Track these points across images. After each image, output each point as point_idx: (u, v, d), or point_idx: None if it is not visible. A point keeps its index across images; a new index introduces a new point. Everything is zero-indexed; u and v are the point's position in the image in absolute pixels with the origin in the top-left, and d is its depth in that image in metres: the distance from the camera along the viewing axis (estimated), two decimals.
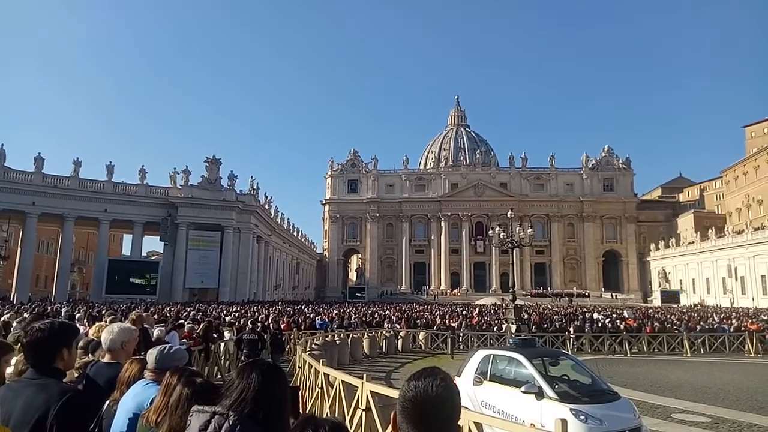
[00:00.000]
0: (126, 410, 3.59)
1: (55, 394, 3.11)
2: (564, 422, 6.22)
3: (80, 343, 6.30)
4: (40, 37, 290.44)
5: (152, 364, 3.91)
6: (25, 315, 17.71)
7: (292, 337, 26.92)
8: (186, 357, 4.20)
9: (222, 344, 20.47)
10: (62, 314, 23.50)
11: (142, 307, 34.54)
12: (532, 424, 9.01)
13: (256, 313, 33.28)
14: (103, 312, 23.83)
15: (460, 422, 6.75)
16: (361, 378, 9.36)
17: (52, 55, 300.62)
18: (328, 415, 10.29)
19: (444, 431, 1.99)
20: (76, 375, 4.87)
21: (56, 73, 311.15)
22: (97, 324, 7.94)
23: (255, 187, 78.87)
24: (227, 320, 29.26)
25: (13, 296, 55.33)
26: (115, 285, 61.81)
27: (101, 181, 65.14)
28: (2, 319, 15.44)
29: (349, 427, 9.07)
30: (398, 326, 35.27)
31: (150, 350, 4.09)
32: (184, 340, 15.35)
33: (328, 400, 10.87)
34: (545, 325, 36.38)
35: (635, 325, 36.87)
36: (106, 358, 4.60)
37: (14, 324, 14.77)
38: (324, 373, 11.83)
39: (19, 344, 4.31)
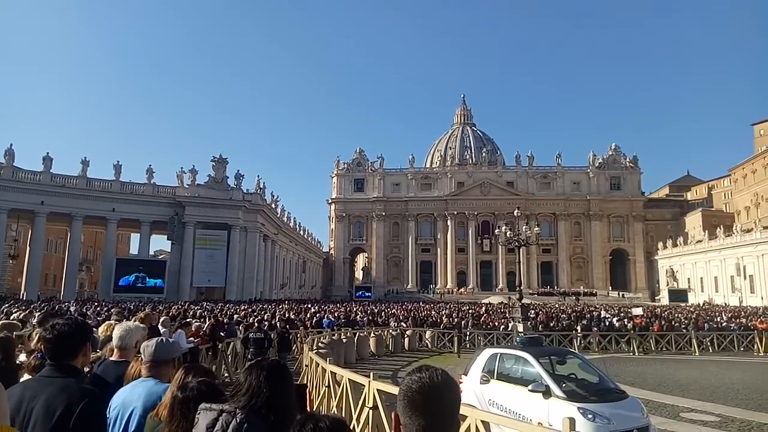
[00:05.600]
0: (135, 408, 3.59)
1: (77, 395, 3.10)
2: (572, 421, 6.21)
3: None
4: (48, 36, 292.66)
5: (149, 356, 3.81)
6: (36, 314, 17.83)
7: (298, 335, 26.98)
8: (181, 348, 4.18)
9: (230, 343, 20.51)
10: (71, 312, 23.65)
11: (149, 306, 34.81)
12: (539, 423, 8.97)
13: (263, 312, 33.38)
14: (111, 310, 23.97)
15: (467, 421, 6.79)
16: (368, 376, 9.37)
17: (59, 54, 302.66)
18: (335, 413, 10.31)
19: (452, 415, 2.05)
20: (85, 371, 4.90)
21: (63, 72, 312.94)
22: (106, 323, 7.98)
23: (261, 186, 79.15)
24: (235, 318, 29.30)
25: (23, 295, 55.86)
26: (122, 284, 62.25)
27: (109, 180, 65.56)
28: (12, 317, 15.58)
29: (356, 425, 9.10)
30: (405, 325, 35.30)
31: (144, 343, 4.00)
32: (191, 338, 15.44)
33: (335, 398, 10.88)
34: (552, 324, 36.28)
35: (643, 323, 36.69)
36: (115, 356, 4.59)
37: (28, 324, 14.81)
38: (331, 372, 11.84)
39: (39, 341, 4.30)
